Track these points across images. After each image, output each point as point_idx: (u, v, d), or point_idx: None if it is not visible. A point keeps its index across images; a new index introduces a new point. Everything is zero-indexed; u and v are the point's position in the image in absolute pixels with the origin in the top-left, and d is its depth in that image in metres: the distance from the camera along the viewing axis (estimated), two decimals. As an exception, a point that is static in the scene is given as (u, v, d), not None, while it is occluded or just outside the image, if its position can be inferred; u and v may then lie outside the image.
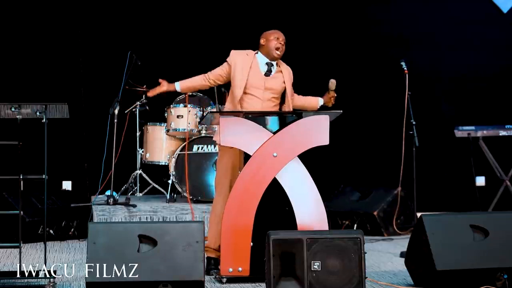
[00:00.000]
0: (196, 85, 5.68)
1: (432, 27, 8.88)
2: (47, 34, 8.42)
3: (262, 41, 5.57)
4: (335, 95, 5.75)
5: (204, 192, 7.44)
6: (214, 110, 7.53)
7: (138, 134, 7.91)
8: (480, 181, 8.77)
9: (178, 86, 5.67)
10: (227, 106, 5.60)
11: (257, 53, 5.58)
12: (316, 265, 4.65)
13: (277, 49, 5.52)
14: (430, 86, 8.87)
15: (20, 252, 5.03)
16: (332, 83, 5.74)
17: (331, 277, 4.66)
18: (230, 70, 5.53)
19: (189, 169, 7.34)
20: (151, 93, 5.71)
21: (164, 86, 5.67)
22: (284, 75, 5.60)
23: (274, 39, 5.52)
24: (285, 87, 5.60)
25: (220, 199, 5.49)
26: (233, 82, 5.52)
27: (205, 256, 5.52)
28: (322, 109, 5.70)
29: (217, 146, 6.23)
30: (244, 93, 5.48)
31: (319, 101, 5.79)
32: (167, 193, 7.52)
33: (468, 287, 4.83)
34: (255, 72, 5.51)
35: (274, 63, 5.57)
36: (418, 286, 5.05)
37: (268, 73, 5.53)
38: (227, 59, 5.57)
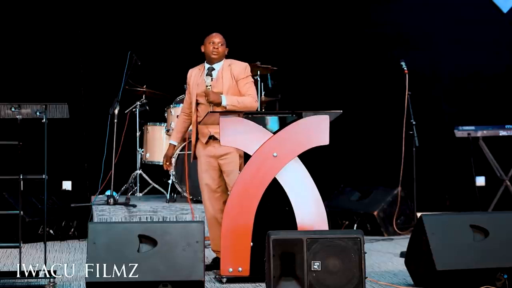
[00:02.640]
0: (182, 127, 5.84)
1: (432, 27, 8.87)
2: (47, 34, 8.42)
3: (202, 48, 5.71)
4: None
5: (204, 192, 7.44)
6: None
7: (138, 134, 7.90)
8: (480, 181, 8.77)
9: (174, 142, 5.90)
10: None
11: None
12: (316, 265, 4.65)
13: (212, 52, 5.61)
14: (430, 86, 8.87)
15: (20, 252, 5.03)
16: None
17: (331, 277, 4.66)
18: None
19: (189, 169, 7.33)
20: (167, 167, 5.95)
21: (169, 151, 5.90)
22: (225, 72, 5.60)
23: (209, 44, 5.64)
24: (230, 83, 5.61)
25: (207, 204, 5.68)
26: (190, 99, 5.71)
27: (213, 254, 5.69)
28: (322, 109, 5.68)
29: None
30: (197, 104, 5.63)
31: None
32: (167, 193, 7.51)
33: (468, 287, 4.83)
34: (200, 83, 5.63)
35: (215, 66, 5.65)
36: (418, 286, 5.05)
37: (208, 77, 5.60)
38: (187, 81, 5.76)
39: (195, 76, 5.68)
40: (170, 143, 5.91)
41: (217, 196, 5.63)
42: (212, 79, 5.57)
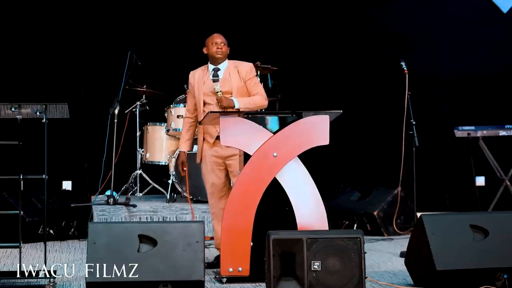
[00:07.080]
0: (188, 135, 5.83)
1: (432, 27, 8.87)
2: (47, 34, 8.42)
3: (204, 50, 5.73)
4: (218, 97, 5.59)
5: (204, 192, 7.42)
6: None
7: (138, 134, 7.90)
8: (480, 181, 8.76)
9: (185, 149, 5.84)
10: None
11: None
12: (316, 265, 4.65)
13: (217, 52, 5.63)
14: (430, 86, 8.87)
15: (20, 252, 5.03)
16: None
17: (331, 277, 4.66)
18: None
19: (189, 169, 7.33)
20: (183, 173, 5.94)
21: (182, 157, 5.84)
22: (232, 73, 5.63)
23: (213, 45, 5.66)
24: (239, 83, 5.65)
25: (211, 201, 5.74)
26: (196, 100, 5.69)
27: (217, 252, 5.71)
28: (322, 109, 5.69)
29: None
30: (205, 104, 5.63)
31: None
32: (167, 193, 7.52)
33: (468, 287, 4.83)
34: (207, 82, 5.65)
35: (220, 67, 5.67)
36: (418, 286, 5.05)
37: (215, 78, 5.61)
38: (189, 83, 5.74)
39: (199, 77, 5.68)
40: (180, 151, 5.86)
41: (222, 195, 5.66)
42: (219, 81, 5.58)
